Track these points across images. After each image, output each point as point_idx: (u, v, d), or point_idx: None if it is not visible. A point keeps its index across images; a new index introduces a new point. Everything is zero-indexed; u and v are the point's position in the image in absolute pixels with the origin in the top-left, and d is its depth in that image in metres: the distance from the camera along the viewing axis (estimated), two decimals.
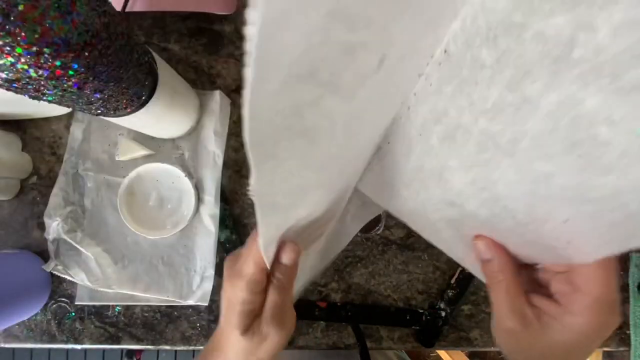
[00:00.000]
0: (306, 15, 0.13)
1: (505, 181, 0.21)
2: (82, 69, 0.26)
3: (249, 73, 0.13)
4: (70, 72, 0.26)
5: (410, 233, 0.52)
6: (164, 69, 0.39)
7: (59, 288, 0.48)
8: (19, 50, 0.22)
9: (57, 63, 0.24)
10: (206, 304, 0.48)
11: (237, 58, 0.52)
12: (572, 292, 0.22)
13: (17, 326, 0.48)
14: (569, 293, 0.22)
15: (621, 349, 0.54)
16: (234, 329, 0.26)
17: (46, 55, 0.23)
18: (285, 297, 0.28)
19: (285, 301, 0.28)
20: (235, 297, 0.26)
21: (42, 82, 0.25)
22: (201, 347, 0.49)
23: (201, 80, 0.51)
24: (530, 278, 0.25)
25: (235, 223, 0.50)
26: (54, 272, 0.46)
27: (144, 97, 0.36)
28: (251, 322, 0.27)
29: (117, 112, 0.35)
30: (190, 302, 0.48)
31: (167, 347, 0.49)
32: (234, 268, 0.27)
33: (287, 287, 0.28)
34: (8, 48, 0.22)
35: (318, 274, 0.49)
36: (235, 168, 0.50)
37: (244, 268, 0.26)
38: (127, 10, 0.47)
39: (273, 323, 0.27)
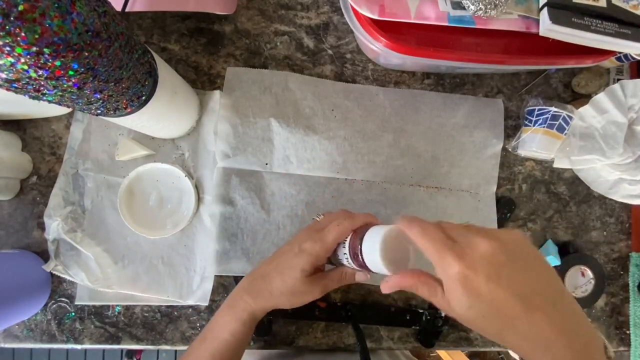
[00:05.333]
0: None
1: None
2: (82, 69, 0.26)
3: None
4: (70, 72, 0.26)
5: None
6: (164, 69, 0.39)
7: (59, 288, 0.48)
8: (19, 50, 0.22)
9: (57, 63, 0.24)
10: (206, 303, 0.48)
11: (237, 58, 0.52)
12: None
13: (17, 326, 0.48)
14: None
15: (621, 349, 0.54)
16: (298, 270, 0.35)
17: (46, 55, 0.23)
18: (332, 284, 0.38)
19: (327, 287, 0.38)
20: (312, 248, 0.35)
21: (42, 82, 0.25)
22: None
23: (201, 80, 0.51)
24: None
25: None
26: (54, 272, 0.46)
27: (144, 97, 0.36)
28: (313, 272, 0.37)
29: (117, 112, 0.35)
30: (190, 302, 0.48)
31: (167, 347, 0.49)
32: (316, 234, 0.36)
33: (338, 284, 0.38)
34: (8, 48, 0.22)
35: None
36: None
37: (327, 236, 0.35)
38: (127, 10, 0.47)
39: (321, 284, 0.37)
